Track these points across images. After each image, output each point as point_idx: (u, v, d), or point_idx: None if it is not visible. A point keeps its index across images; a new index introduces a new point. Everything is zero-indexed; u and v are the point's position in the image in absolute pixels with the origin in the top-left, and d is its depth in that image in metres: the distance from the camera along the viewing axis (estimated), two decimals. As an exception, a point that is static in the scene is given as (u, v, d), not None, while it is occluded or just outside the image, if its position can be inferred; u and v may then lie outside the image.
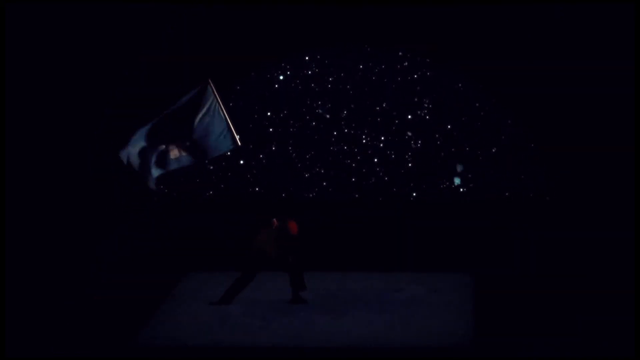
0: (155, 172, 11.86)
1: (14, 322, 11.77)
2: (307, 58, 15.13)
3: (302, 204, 14.98)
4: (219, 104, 11.83)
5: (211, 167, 15.25)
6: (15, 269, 12.95)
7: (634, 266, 12.46)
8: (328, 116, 15.05)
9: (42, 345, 11.31)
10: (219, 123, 11.89)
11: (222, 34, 14.48)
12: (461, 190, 15.10)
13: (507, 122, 14.95)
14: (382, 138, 15.17)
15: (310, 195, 15.23)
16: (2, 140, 13.52)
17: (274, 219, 12.61)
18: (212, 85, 11.86)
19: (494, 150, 15.01)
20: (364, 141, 15.20)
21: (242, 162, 15.24)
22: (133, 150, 11.81)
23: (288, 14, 14.32)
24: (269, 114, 15.19)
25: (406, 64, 15.03)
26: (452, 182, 14.83)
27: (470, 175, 15.09)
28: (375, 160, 15.20)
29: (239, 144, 12.02)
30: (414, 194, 15.17)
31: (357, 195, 15.23)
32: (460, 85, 14.98)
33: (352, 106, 15.14)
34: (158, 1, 14.18)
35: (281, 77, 15.11)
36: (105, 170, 14.69)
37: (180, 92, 14.26)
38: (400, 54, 14.99)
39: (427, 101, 15.07)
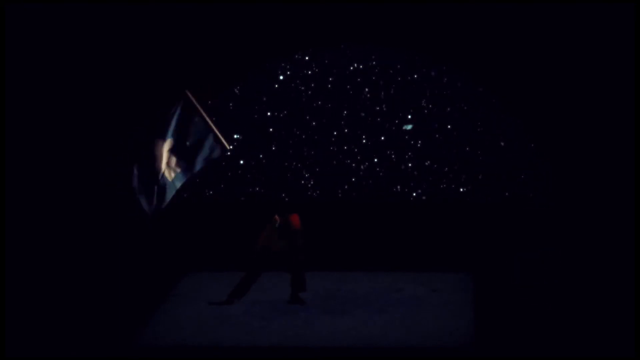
0: (159, 202, 12.02)
1: (14, 322, 11.76)
2: (307, 58, 15.13)
3: (302, 204, 14.97)
4: (201, 112, 11.92)
5: (212, 167, 15.25)
6: (15, 269, 12.94)
7: (634, 266, 12.45)
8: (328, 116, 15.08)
9: (42, 345, 11.31)
10: (203, 132, 11.97)
11: (222, 33, 14.48)
12: (461, 190, 15.10)
13: (508, 122, 14.94)
14: (382, 138, 15.17)
15: (311, 195, 15.22)
16: (2, 140, 13.51)
17: (276, 215, 12.62)
18: (190, 95, 11.94)
19: (494, 150, 15.00)
20: (364, 141, 15.20)
21: (242, 162, 15.24)
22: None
23: (288, 14, 14.31)
24: (269, 114, 15.18)
25: (406, 64, 15.03)
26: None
27: (470, 176, 15.09)
28: (375, 160, 15.20)
29: (228, 148, 12.07)
30: (414, 194, 15.17)
31: (356, 195, 15.23)
32: (460, 85, 14.98)
33: (352, 106, 15.14)
34: (158, 1, 14.17)
35: (281, 77, 15.11)
36: (105, 170, 14.70)
37: (178, 92, 14.34)
38: (400, 53, 14.99)
39: (427, 101, 15.07)
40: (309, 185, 15.24)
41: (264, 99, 15.14)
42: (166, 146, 11.97)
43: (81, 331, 11.72)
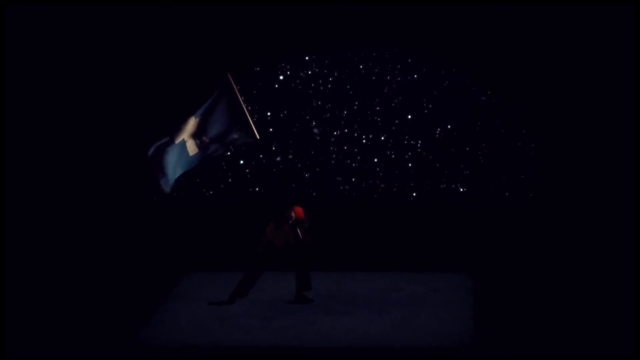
0: (174, 173, 11.85)
1: (14, 322, 11.77)
2: (307, 58, 15.13)
3: (302, 204, 14.97)
4: (238, 97, 11.89)
5: (212, 167, 15.25)
6: (15, 269, 12.95)
7: (633, 266, 12.46)
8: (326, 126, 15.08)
9: (42, 345, 11.31)
10: (237, 116, 11.97)
11: (222, 33, 14.48)
12: (461, 190, 15.11)
13: (507, 122, 14.94)
14: (382, 138, 15.17)
15: (311, 195, 15.22)
16: (3, 140, 13.51)
17: (292, 214, 12.59)
18: (230, 78, 11.90)
19: (494, 151, 15.01)
20: (364, 141, 15.20)
21: (242, 162, 15.24)
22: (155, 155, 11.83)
23: (288, 14, 14.31)
24: (269, 114, 15.18)
25: (406, 64, 15.03)
26: (455, 183, 14.86)
27: (470, 176, 15.09)
28: (375, 160, 15.20)
29: (258, 137, 12.02)
30: (414, 194, 15.17)
31: (356, 195, 15.23)
32: (460, 85, 14.98)
33: (352, 106, 15.14)
34: (157, 1, 14.18)
35: (281, 77, 15.11)
36: (105, 170, 14.71)
37: (178, 92, 14.35)
38: (399, 54, 14.99)
39: (427, 101, 15.07)
40: (309, 186, 15.24)
41: (264, 99, 15.14)
42: (192, 123, 11.89)
43: (81, 331, 11.72)
